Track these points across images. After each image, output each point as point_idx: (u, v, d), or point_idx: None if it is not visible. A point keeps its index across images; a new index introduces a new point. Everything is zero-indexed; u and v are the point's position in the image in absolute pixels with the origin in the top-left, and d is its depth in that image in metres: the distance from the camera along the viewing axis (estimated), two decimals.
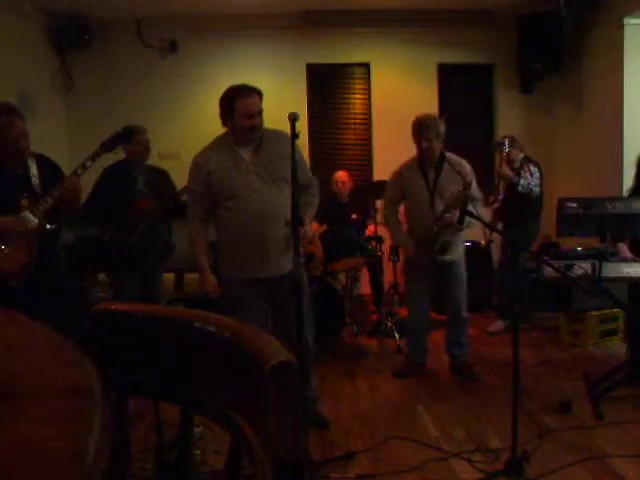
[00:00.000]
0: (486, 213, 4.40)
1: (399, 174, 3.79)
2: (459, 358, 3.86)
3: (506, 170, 4.54)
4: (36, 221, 2.80)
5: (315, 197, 3.06)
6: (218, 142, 2.95)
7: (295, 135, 2.53)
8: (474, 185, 3.63)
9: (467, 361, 3.87)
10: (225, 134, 2.94)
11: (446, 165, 3.61)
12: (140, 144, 3.70)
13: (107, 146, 3.05)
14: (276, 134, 2.93)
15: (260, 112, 2.83)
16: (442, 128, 3.61)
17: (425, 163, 3.67)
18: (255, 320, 2.89)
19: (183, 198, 3.73)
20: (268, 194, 2.83)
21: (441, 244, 3.57)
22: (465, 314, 3.82)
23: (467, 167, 3.65)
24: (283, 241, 2.78)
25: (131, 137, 3.57)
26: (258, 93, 2.85)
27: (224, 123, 2.89)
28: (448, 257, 3.62)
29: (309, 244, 2.91)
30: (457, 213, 3.44)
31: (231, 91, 2.82)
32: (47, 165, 3.04)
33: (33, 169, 2.92)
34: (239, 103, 2.79)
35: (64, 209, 2.93)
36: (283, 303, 2.90)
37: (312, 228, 3.01)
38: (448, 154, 3.66)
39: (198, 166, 2.90)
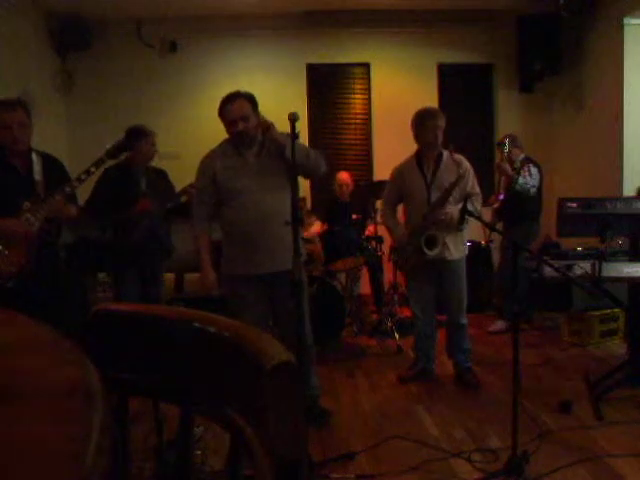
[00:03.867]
0: (486, 213, 4.40)
1: (396, 173, 3.77)
2: (462, 365, 3.73)
3: (506, 166, 4.57)
4: (37, 224, 2.79)
5: (316, 155, 2.97)
6: (225, 144, 3.05)
7: (295, 135, 2.54)
8: (473, 182, 3.61)
9: (471, 367, 3.74)
10: (230, 137, 3.03)
11: (444, 160, 3.58)
12: (147, 146, 3.70)
13: (111, 153, 3.06)
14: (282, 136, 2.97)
15: (245, 117, 2.87)
16: (444, 123, 3.61)
17: (423, 159, 3.65)
18: (255, 317, 2.95)
19: (182, 199, 3.74)
20: (268, 194, 2.92)
21: (426, 237, 3.48)
22: (462, 320, 3.68)
23: (465, 163, 3.63)
24: (280, 240, 2.81)
25: (139, 138, 3.58)
26: (245, 98, 2.89)
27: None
28: (433, 253, 3.50)
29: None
30: (451, 210, 3.45)
31: (222, 99, 2.93)
32: (53, 166, 3.03)
33: (37, 169, 2.91)
34: (223, 110, 2.91)
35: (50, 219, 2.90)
36: (281, 302, 2.98)
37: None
38: (445, 151, 3.62)
39: (205, 167, 3.04)
